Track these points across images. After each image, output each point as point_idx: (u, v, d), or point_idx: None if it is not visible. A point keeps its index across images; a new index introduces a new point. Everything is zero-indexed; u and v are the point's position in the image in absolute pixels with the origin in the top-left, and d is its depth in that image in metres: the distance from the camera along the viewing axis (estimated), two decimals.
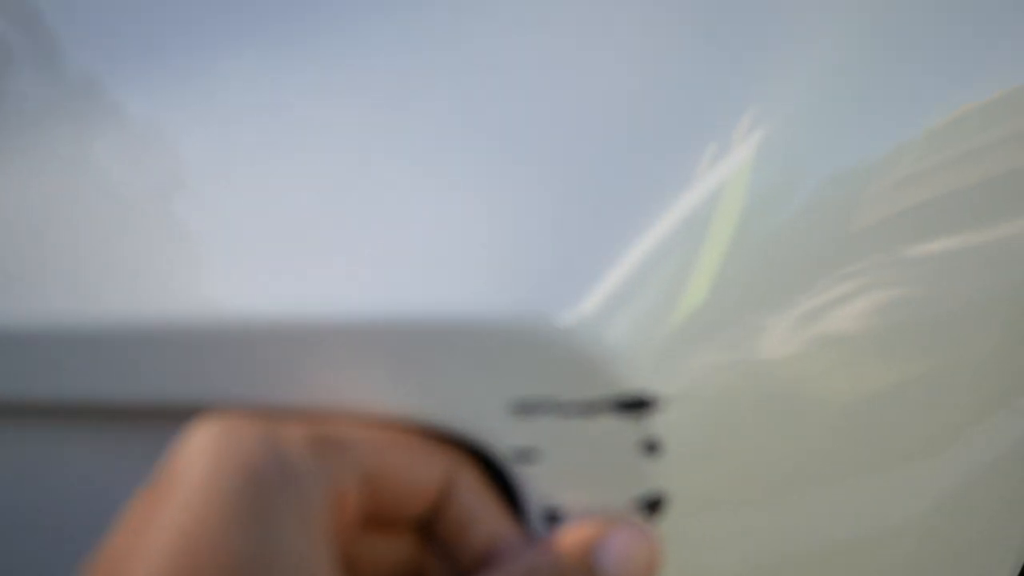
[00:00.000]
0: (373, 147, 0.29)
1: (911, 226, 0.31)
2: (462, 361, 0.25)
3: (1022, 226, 0.34)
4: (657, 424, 0.25)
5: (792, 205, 0.28)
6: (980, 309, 0.34)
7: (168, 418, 0.28)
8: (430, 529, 0.27)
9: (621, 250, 0.25)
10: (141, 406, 0.29)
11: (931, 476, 0.36)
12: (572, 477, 0.26)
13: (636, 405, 0.25)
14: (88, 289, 0.29)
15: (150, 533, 0.19)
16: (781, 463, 0.30)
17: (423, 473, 0.26)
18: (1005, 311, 0.35)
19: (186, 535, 0.19)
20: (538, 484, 0.26)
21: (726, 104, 0.28)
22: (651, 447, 0.25)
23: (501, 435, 0.26)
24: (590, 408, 0.25)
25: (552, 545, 0.26)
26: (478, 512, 0.27)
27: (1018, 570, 0.44)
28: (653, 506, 0.26)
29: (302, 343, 0.26)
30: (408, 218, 0.27)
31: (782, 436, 0.30)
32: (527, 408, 0.25)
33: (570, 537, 0.26)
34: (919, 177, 0.31)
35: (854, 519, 0.35)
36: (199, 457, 0.21)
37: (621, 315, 0.25)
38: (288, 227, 0.28)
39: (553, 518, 0.26)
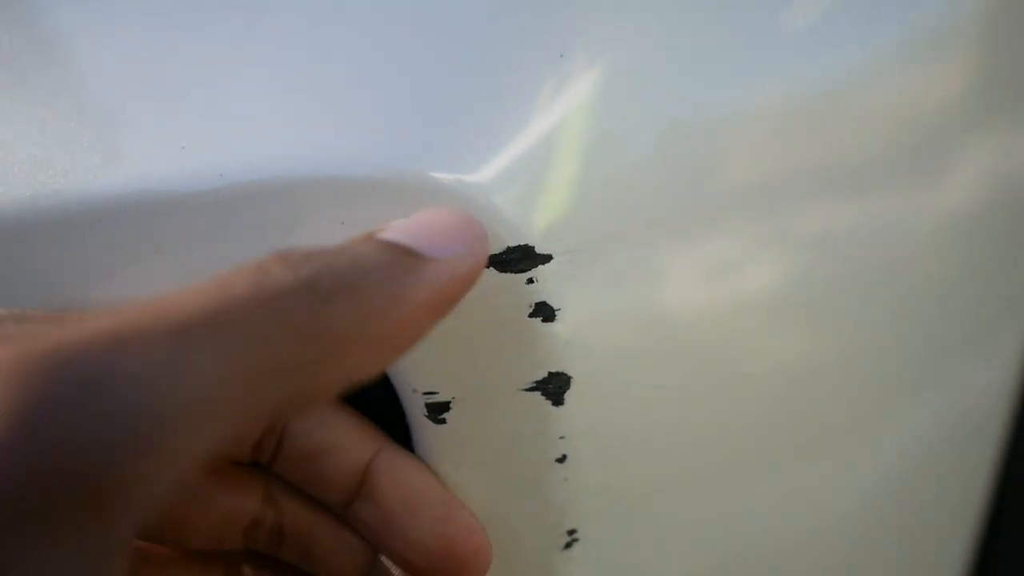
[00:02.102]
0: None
1: (791, 190, 0.27)
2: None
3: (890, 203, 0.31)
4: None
5: (640, 145, 0.24)
6: (878, 287, 0.31)
7: None
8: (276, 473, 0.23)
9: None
10: None
11: (857, 465, 0.33)
12: None
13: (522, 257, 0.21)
14: None
15: None
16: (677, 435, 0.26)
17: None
18: (902, 291, 0.32)
19: None
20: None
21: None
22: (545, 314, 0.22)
23: None
24: None
25: None
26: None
27: (969, 570, 0.40)
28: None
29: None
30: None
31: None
32: None
33: None
34: (796, 132, 0.26)
35: (771, 514, 0.31)
36: None
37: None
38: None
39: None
